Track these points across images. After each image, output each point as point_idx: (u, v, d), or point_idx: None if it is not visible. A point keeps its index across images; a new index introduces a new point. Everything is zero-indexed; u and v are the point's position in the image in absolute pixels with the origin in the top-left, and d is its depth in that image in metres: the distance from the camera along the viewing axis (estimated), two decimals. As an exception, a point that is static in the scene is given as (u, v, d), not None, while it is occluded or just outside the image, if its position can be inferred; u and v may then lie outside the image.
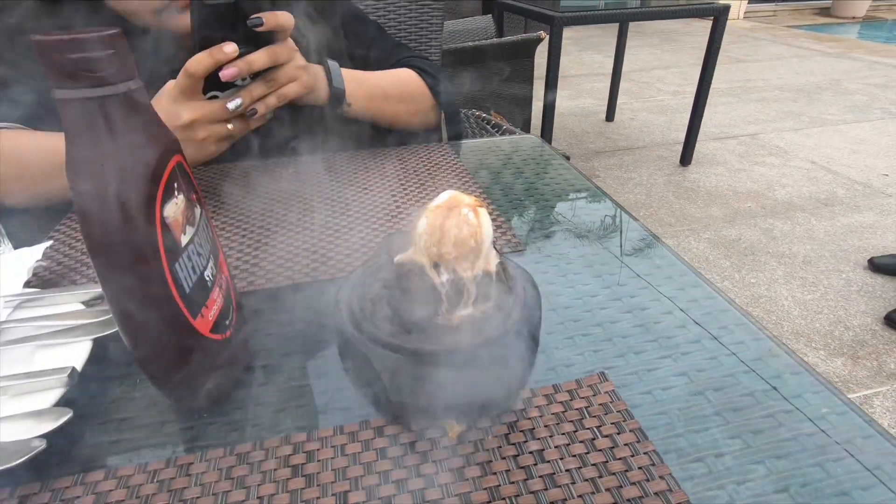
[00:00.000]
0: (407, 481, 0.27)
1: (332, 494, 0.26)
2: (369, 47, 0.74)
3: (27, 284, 0.40)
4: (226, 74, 0.47)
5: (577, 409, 0.31)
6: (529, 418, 0.30)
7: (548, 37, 2.01)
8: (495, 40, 1.91)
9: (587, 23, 2.04)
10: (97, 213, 0.24)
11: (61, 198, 0.52)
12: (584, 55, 4.60)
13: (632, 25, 5.63)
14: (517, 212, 0.54)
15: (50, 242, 0.46)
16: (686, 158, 2.52)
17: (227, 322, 0.32)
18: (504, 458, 0.28)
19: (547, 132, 2.25)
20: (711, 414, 0.31)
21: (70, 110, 0.23)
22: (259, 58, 0.49)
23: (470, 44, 1.85)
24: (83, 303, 0.38)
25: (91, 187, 0.24)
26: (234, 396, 0.32)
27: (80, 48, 0.22)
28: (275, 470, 0.27)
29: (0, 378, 0.30)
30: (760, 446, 0.29)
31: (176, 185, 0.27)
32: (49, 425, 0.27)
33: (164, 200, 0.26)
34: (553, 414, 0.30)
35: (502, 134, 1.05)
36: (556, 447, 0.28)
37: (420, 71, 0.72)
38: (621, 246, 0.48)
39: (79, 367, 0.31)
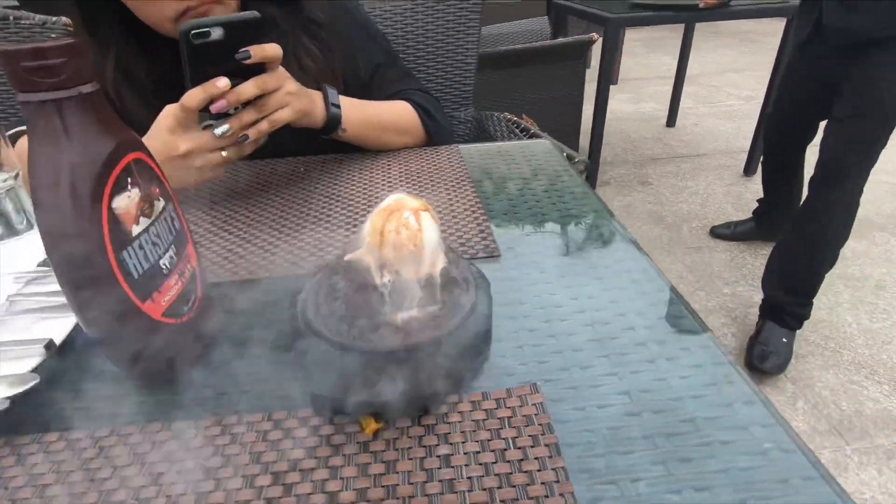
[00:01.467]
0: (313, 471, 0.28)
1: (242, 476, 0.28)
2: (373, 74, 0.77)
3: (42, 263, 0.45)
4: (215, 108, 0.50)
5: (499, 418, 0.31)
6: (449, 423, 0.31)
7: (601, 39, 1.96)
8: (541, 43, 1.88)
9: (644, 24, 1.96)
10: (48, 203, 0.27)
11: None
12: (652, 57, 4.41)
13: (706, 26, 5.33)
14: (506, 217, 0.54)
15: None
16: (751, 168, 2.36)
17: (187, 307, 0.35)
18: (411, 459, 0.28)
19: (596, 137, 2.18)
20: (641, 437, 0.30)
21: (29, 111, 0.26)
22: (247, 89, 0.51)
23: (513, 46, 1.84)
24: (82, 282, 0.42)
25: (43, 179, 0.27)
26: (186, 376, 0.35)
27: (35, 57, 0.25)
28: (199, 448, 0.30)
29: (-10, 343, 0.34)
30: (683, 475, 0.27)
31: (129, 179, 0.30)
32: (16, 389, 0.31)
33: (115, 193, 0.29)
34: (473, 421, 0.30)
35: (529, 138, 1.04)
36: (465, 454, 0.28)
37: (417, 106, 0.74)
38: (602, 258, 0.47)
39: (58, 340, 0.35)
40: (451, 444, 0.29)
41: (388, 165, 0.67)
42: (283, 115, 0.55)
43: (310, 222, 0.54)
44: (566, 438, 0.30)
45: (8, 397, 0.30)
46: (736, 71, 3.97)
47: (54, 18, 1.08)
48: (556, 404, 0.32)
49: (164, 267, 0.33)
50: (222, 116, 0.52)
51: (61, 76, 0.26)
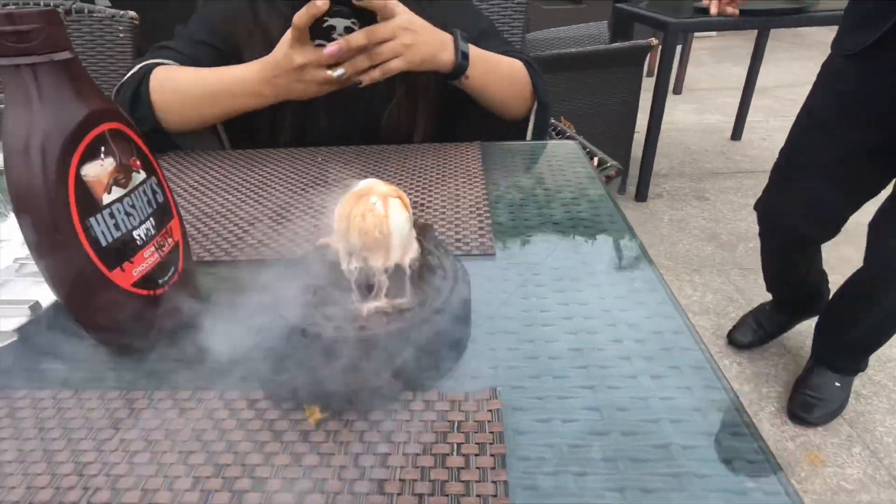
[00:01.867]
0: (247, 455, 0.27)
1: (179, 452, 0.27)
2: (478, 38, 0.74)
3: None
4: (328, 51, 0.55)
5: (449, 421, 0.28)
6: (396, 420, 0.29)
7: (661, 45, 1.87)
8: (594, 47, 1.82)
9: (707, 30, 1.85)
10: (16, 166, 0.28)
11: (212, 121, 0.68)
12: (721, 66, 4.17)
13: (787, 35, 4.98)
14: (511, 216, 0.52)
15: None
16: (823, 188, 2.17)
17: (162, 281, 0.35)
18: (346, 454, 0.27)
19: (649, 146, 2.09)
20: (601, 459, 0.27)
21: (4, 75, 0.27)
22: (356, 38, 0.55)
23: (565, 50, 1.79)
24: (85, 251, 0.44)
25: (14, 142, 0.27)
26: (152, 347, 0.35)
27: (8, 22, 0.26)
28: (147, 419, 0.29)
29: (-18, 300, 0.36)
30: (640, 507, 0.24)
31: (103, 148, 0.31)
32: (-8, 343, 0.32)
33: (85, 160, 0.29)
34: (422, 421, 0.29)
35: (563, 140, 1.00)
36: (404, 454, 0.27)
37: (528, 65, 0.73)
38: (604, 265, 0.44)
39: (45, 303, 0.37)
40: (392, 442, 0.27)
41: (404, 158, 0.66)
42: (395, 65, 0.58)
43: (314, 208, 0.54)
44: (519, 451, 0.27)
45: (-17, 351, 0.32)
46: (816, 84, 3.68)
47: (122, 12, 1.16)
48: (517, 413, 0.30)
49: (138, 238, 0.33)
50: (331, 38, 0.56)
51: (34, 42, 0.27)
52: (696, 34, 3.76)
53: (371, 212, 0.31)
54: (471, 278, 0.39)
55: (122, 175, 0.32)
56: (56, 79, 0.28)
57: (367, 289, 0.34)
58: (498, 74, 0.69)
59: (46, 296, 0.37)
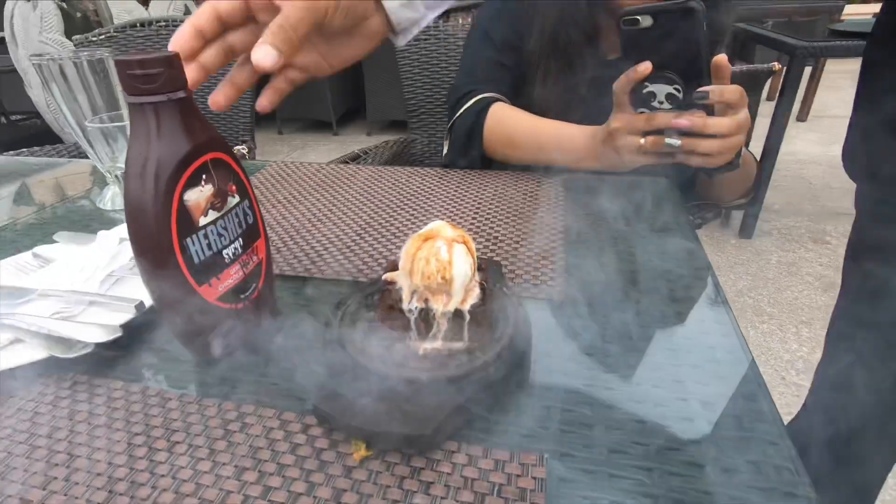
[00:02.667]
0: (294, 482, 0.28)
1: (235, 466, 0.29)
2: None
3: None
4: (676, 123, 0.52)
5: (490, 482, 0.28)
6: (437, 471, 0.29)
7: (784, 70, 1.70)
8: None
9: (840, 56, 1.65)
10: (132, 190, 0.31)
11: (529, 163, 0.68)
12: (860, 93, 3.70)
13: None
14: (583, 257, 0.49)
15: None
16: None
17: (243, 296, 0.38)
18: (384, 500, 0.27)
19: (761, 181, 1.90)
20: (650, 556, 0.24)
21: (132, 111, 0.31)
22: (715, 125, 0.51)
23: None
24: (187, 256, 0.49)
25: (132, 169, 0.31)
26: (231, 358, 0.38)
27: (139, 67, 0.30)
28: (216, 427, 0.32)
29: (100, 295, 0.42)
30: None
31: (204, 176, 0.34)
32: (102, 337, 0.37)
33: (188, 187, 0.33)
34: (463, 477, 0.28)
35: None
36: (439, 511, 0.26)
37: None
38: (683, 325, 0.40)
39: (148, 303, 0.41)
40: (430, 495, 0.27)
41: (484, 184, 0.66)
42: (721, 161, 0.54)
43: (391, 231, 0.55)
44: (559, 529, 0.26)
45: (94, 343, 0.36)
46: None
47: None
48: (564, 485, 0.28)
49: (226, 256, 0.36)
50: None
51: (157, 83, 0.30)
52: (832, 56, 3.38)
53: (435, 256, 0.32)
54: (533, 325, 0.37)
55: (218, 200, 0.35)
56: (172, 115, 0.31)
57: (426, 328, 0.34)
58: (742, 174, 0.64)
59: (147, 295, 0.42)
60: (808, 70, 2.72)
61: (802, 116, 3.32)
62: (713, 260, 1.96)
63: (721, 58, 0.49)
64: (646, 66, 0.50)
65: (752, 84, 1.77)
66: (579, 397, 0.34)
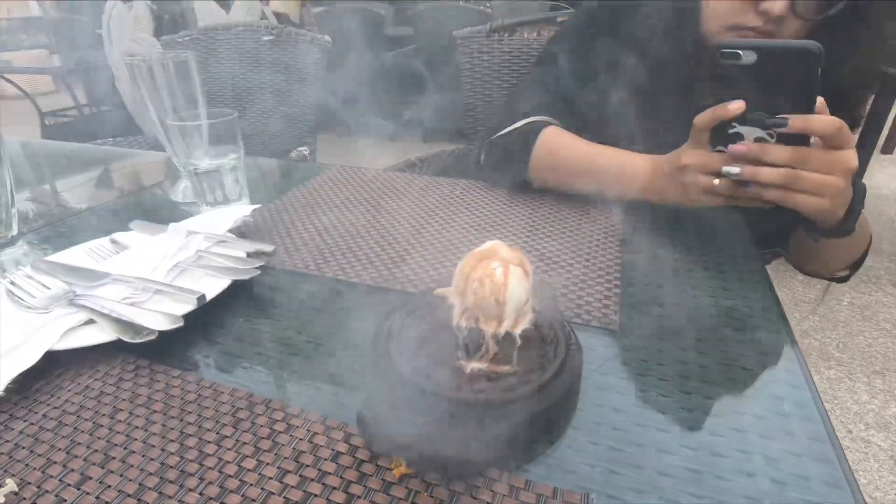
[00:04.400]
0: (333, 491, 0.28)
1: (278, 468, 0.30)
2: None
3: (230, 230, 0.56)
4: (732, 149, 0.47)
5: (531, 517, 0.27)
6: (476, 498, 0.28)
7: (871, 98, 1.58)
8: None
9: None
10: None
11: (582, 191, 0.63)
12: (957, 127, 3.39)
13: None
14: (644, 289, 0.47)
15: (259, 206, 0.62)
16: None
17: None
18: (421, 521, 0.27)
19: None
20: None
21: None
22: (778, 153, 0.45)
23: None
24: (247, 253, 0.51)
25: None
26: (284, 359, 0.39)
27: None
28: (263, 425, 0.33)
29: (165, 285, 0.44)
30: None
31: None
32: (165, 326, 0.39)
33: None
34: (502, 508, 0.27)
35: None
36: (476, 541, 0.26)
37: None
38: (747, 371, 0.38)
39: (209, 296, 0.43)
40: (467, 523, 0.26)
41: (539, 205, 0.65)
42: (808, 203, 0.46)
43: (442, 244, 0.55)
44: (601, 577, 0.24)
45: (158, 330, 0.38)
46: None
47: (320, 36, 1.34)
48: (608, 530, 0.27)
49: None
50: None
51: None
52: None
53: (490, 277, 0.31)
54: (586, 354, 0.36)
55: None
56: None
57: (475, 347, 0.33)
58: (851, 241, 0.54)
59: (211, 290, 0.44)
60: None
61: (888, 149, 3.07)
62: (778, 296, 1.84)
63: (819, 99, 0.43)
64: (739, 105, 0.45)
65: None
66: (630, 437, 0.32)
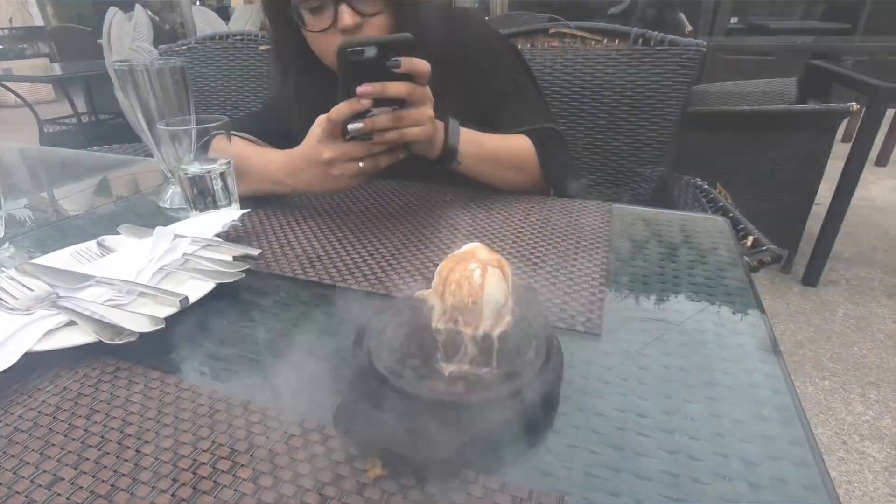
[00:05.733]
0: (307, 492, 0.28)
1: (253, 469, 0.29)
2: (498, 104, 0.76)
3: (218, 235, 0.56)
4: (361, 90, 0.53)
5: (505, 519, 0.26)
6: (451, 500, 0.28)
7: (863, 111, 1.60)
8: (777, 107, 1.62)
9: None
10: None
11: (257, 195, 0.69)
12: (950, 140, 3.42)
13: None
14: (629, 293, 0.47)
15: (248, 211, 0.62)
16: None
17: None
18: (393, 523, 0.26)
19: (831, 223, 1.78)
20: None
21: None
22: (395, 86, 0.53)
23: (733, 108, 1.63)
24: (234, 256, 0.51)
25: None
26: (264, 360, 0.39)
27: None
28: (239, 427, 0.32)
29: (149, 287, 0.44)
30: None
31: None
32: (146, 328, 0.39)
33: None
34: (476, 510, 0.27)
35: (716, 211, 0.90)
36: (448, 543, 0.25)
37: (538, 143, 0.72)
38: (727, 374, 0.37)
39: (192, 299, 0.43)
40: (440, 524, 0.26)
41: (529, 211, 0.65)
42: (415, 133, 0.56)
43: (429, 249, 0.56)
44: (574, 580, 0.24)
45: (139, 332, 0.38)
46: None
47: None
48: (582, 532, 0.26)
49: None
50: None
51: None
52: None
53: (468, 279, 0.31)
54: (567, 358, 0.36)
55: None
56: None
57: (454, 349, 0.33)
58: (496, 163, 0.69)
59: (195, 293, 0.44)
60: (890, 112, 2.55)
61: (882, 161, 3.10)
62: (771, 306, 1.84)
63: (420, 60, 0.54)
64: (369, 90, 0.52)
65: (825, 124, 1.67)
66: (608, 440, 0.32)
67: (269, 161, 0.67)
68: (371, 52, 0.52)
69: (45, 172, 0.91)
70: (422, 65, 0.55)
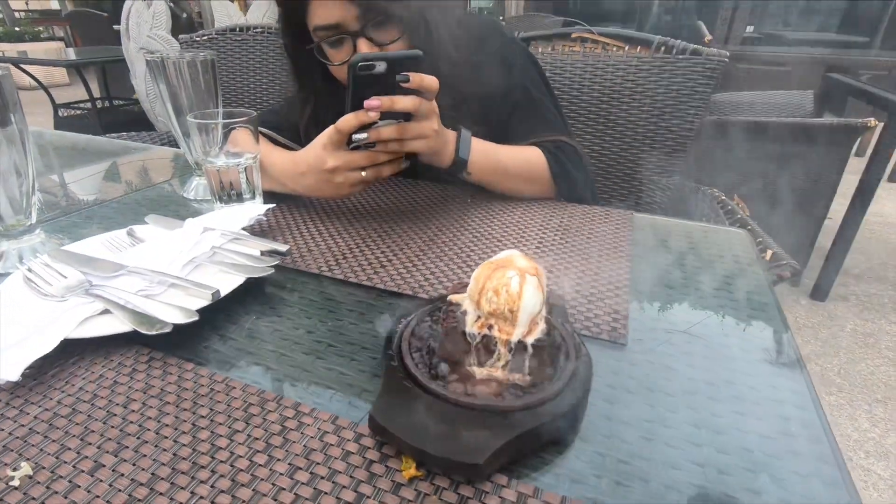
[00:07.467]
0: (343, 489, 0.29)
1: (289, 464, 0.30)
2: (510, 115, 0.77)
3: (245, 228, 0.57)
4: (369, 104, 0.53)
5: (539, 525, 0.27)
6: (484, 503, 0.28)
7: (880, 126, 1.59)
8: (794, 119, 1.62)
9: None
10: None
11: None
12: (964, 158, 3.39)
13: None
14: (652, 304, 0.48)
15: (273, 206, 0.63)
16: None
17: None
18: (430, 523, 0.27)
19: (843, 238, 1.78)
20: None
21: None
22: (402, 100, 0.54)
23: (752, 118, 1.62)
24: (262, 251, 0.52)
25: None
26: (295, 357, 0.39)
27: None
28: (274, 422, 0.33)
29: (181, 279, 0.44)
30: None
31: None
32: (180, 319, 0.39)
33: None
34: (510, 514, 0.27)
35: (733, 223, 0.90)
36: (484, 545, 0.26)
37: (550, 155, 0.72)
38: (753, 388, 0.38)
39: (223, 292, 0.44)
40: (476, 527, 0.27)
41: (550, 217, 0.66)
42: (417, 146, 0.58)
43: (453, 251, 0.56)
44: (608, 588, 0.25)
45: (173, 323, 0.39)
46: None
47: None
48: (615, 541, 0.27)
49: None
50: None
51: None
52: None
53: (506, 287, 0.32)
54: (595, 367, 0.37)
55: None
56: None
57: (487, 354, 0.34)
58: (505, 174, 0.69)
59: (226, 286, 0.45)
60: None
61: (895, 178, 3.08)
62: (779, 318, 1.83)
63: (428, 76, 0.55)
64: (376, 104, 0.53)
65: (842, 138, 1.66)
66: (637, 450, 0.32)
67: (273, 161, 0.67)
68: (381, 66, 0.53)
69: (65, 157, 0.91)
70: (430, 81, 0.55)
